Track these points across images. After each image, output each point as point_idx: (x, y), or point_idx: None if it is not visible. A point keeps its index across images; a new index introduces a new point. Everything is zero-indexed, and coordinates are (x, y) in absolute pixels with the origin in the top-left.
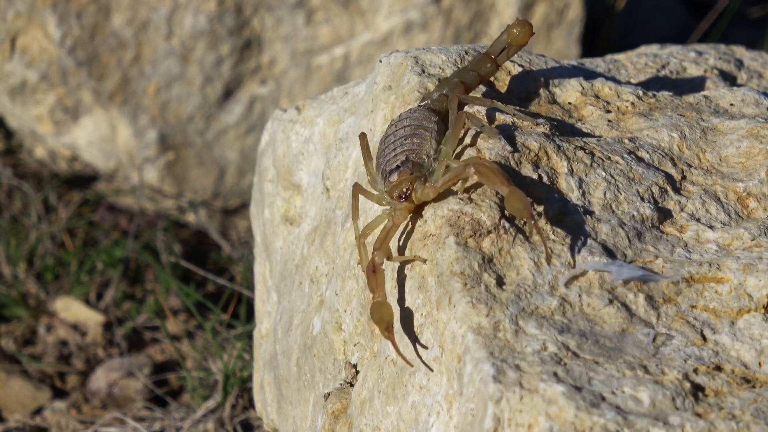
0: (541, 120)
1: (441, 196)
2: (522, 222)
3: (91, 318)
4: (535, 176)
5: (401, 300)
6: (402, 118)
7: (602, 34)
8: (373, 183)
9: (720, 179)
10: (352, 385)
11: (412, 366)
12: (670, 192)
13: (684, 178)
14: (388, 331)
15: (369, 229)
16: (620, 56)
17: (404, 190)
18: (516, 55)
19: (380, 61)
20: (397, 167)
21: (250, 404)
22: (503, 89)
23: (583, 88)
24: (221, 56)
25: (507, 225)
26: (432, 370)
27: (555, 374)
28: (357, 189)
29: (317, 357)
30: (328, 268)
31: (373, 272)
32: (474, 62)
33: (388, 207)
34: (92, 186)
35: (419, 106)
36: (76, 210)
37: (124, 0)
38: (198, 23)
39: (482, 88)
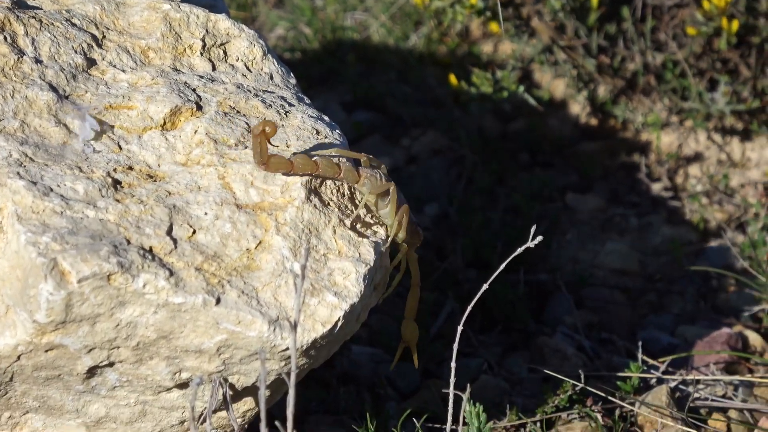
0: None
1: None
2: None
3: None
4: (1, 38)
5: None
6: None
7: None
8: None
9: (129, 38)
10: None
11: None
12: (95, 47)
13: (104, 37)
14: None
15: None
16: None
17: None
18: None
19: None
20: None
21: None
22: None
23: None
24: None
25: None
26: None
27: (18, 173)
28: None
29: None
30: None
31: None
32: None
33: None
34: None
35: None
36: None
37: None
38: None
39: None
